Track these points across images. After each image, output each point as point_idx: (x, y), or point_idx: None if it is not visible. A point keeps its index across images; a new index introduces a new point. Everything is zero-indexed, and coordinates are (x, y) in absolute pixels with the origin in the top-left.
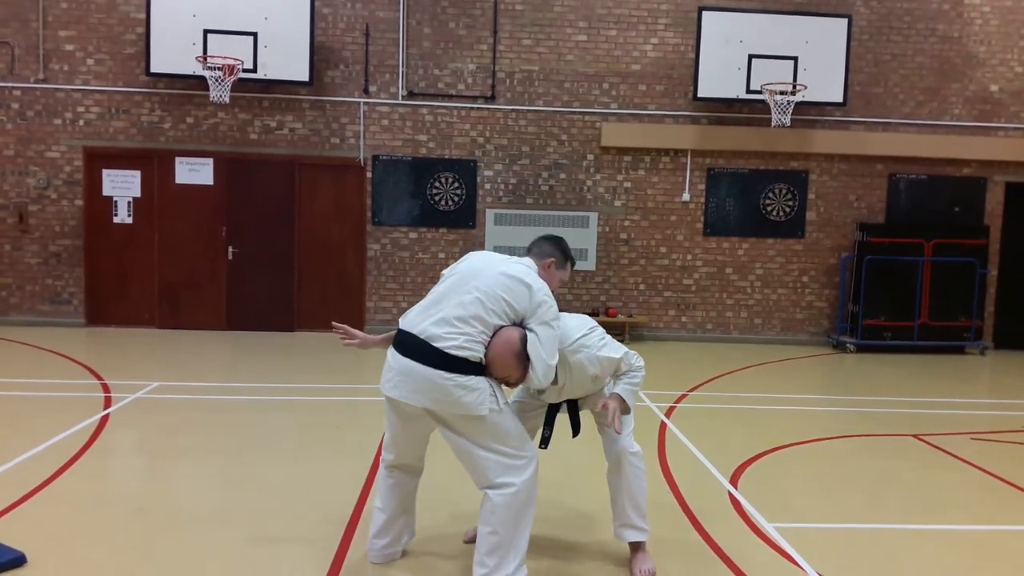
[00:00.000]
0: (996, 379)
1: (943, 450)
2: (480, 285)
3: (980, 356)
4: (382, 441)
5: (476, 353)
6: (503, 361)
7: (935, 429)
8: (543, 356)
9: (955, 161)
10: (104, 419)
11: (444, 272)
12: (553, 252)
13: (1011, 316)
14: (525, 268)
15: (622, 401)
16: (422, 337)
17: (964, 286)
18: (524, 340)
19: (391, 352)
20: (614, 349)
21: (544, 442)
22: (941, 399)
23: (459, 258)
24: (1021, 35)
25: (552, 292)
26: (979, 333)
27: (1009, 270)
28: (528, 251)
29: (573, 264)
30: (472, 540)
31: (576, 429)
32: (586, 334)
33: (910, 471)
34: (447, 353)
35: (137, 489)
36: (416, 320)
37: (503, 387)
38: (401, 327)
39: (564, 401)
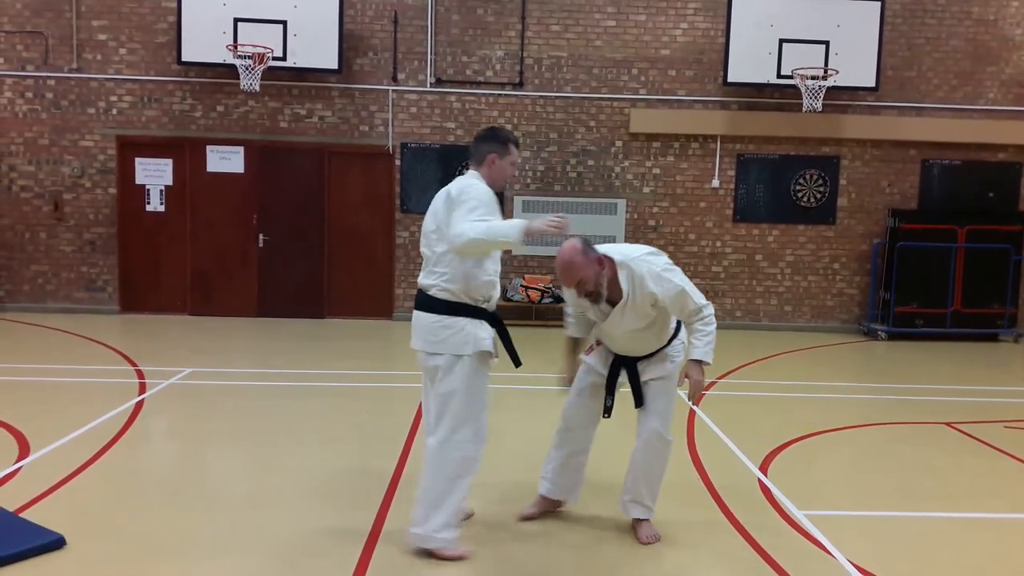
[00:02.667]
0: None
1: (976, 438)
2: (433, 224)
3: (1014, 344)
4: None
5: (453, 291)
6: (558, 269)
7: (968, 417)
8: (457, 222)
9: (990, 146)
10: (139, 405)
11: None
12: (490, 147)
13: None
14: (456, 185)
15: (702, 367)
16: (420, 287)
17: (998, 273)
18: (573, 248)
19: None
20: (681, 278)
21: (607, 411)
22: (974, 387)
23: None
24: None
25: (505, 180)
26: (1013, 320)
27: None
28: (472, 161)
29: (516, 142)
30: (527, 518)
31: (639, 399)
32: (652, 253)
33: (942, 459)
34: (432, 296)
35: (172, 473)
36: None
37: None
38: None
39: (625, 369)
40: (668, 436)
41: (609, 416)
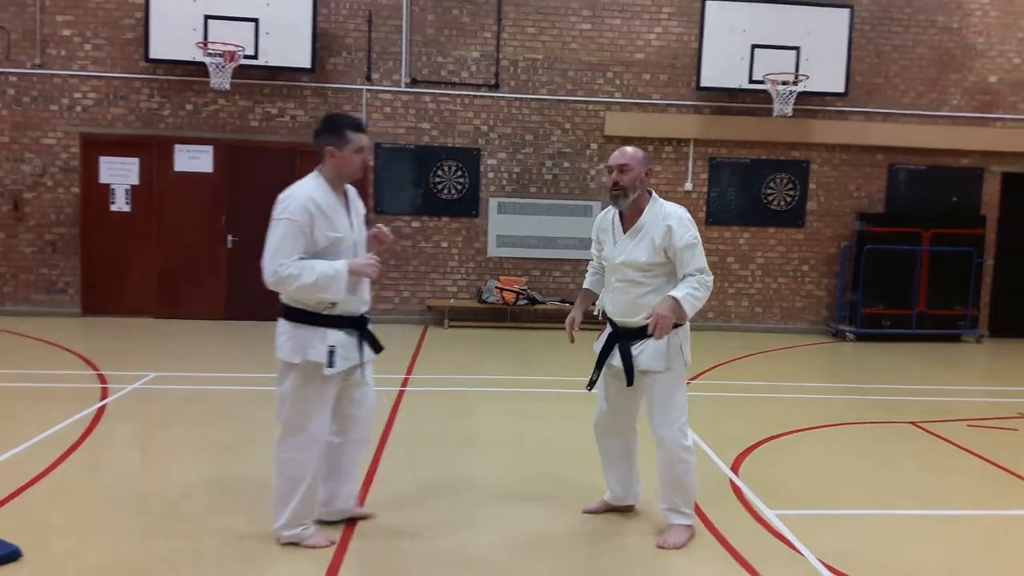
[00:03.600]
0: (991, 367)
1: (941, 437)
2: None
3: (976, 344)
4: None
5: (298, 297)
6: (617, 151)
7: (933, 416)
8: (272, 245)
9: (954, 151)
10: (101, 410)
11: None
12: (325, 140)
13: (1006, 305)
14: (287, 195)
15: (675, 306)
16: None
17: (961, 275)
18: (638, 149)
19: None
20: (699, 252)
21: (590, 384)
22: (938, 387)
23: (462, 246)
24: (1019, 26)
25: (356, 170)
26: (975, 322)
27: (1005, 259)
28: None
29: (355, 126)
30: (592, 511)
31: (630, 378)
32: (693, 232)
33: (909, 458)
34: (280, 301)
35: (136, 481)
36: None
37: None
38: None
39: (619, 347)
40: (684, 441)
41: (590, 389)
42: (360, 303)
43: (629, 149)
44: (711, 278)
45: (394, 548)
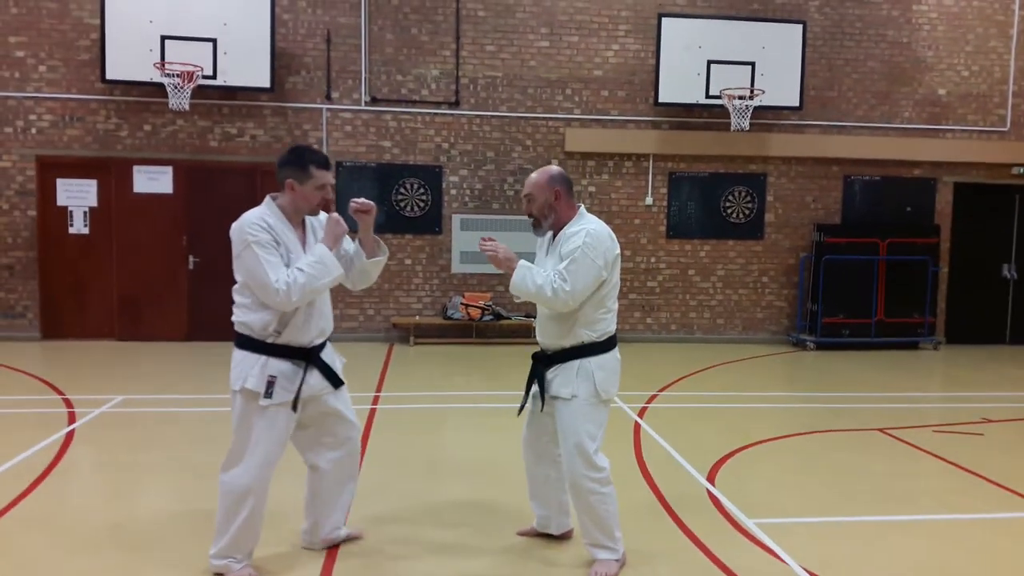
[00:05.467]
0: (950, 373)
1: (908, 443)
2: None
3: (933, 351)
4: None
5: (237, 323)
6: (531, 183)
7: (898, 423)
8: (258, 274)
9: (906, 163)
10: (69, 435)
11: None
12: (287, 172)
13: (961, 312)
14: (236, 224)
15: (512, 259)
16: None
17: (917, 284)
18: (546, 171)
19: None
20: (589, 255)
21: (520, 409)
22: (901, 393)
23: (426, 263)
24: (967, 40)
25: (315, 207)
26: (932, 329)
27: (959, 267)
28: None
29: (320, 163)
30: (526, 534)
31: (542, 402)
32: (581, 244)
33: (879, 464)
34: (235, 329)
35: (111, 506)
36: None
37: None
38: None
39: (539, 367)
40: (591, 472)
41: (519, 414)
42: (313, 333)
43: (535, 176)
44: (567, 289)
45: (379, 570)
